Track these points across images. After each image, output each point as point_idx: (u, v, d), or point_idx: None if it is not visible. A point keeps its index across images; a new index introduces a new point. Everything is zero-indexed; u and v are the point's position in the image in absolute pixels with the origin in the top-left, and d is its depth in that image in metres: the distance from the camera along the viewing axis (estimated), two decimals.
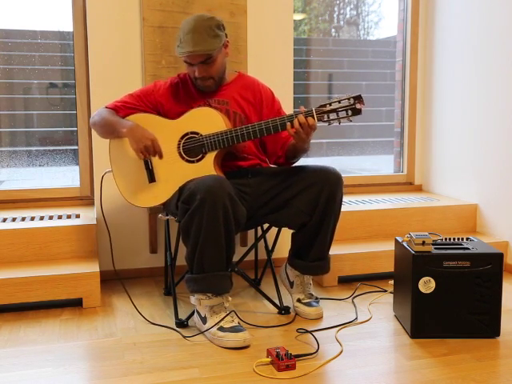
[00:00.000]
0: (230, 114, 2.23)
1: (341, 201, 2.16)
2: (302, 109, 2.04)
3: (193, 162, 2.13)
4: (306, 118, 2.01)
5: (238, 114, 2.24)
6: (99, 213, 2.65)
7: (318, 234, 2.16)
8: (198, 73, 2.14)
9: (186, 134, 2.14)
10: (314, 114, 2.01)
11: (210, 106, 2.20)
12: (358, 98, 1.99)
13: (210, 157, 2.10)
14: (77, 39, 2.82)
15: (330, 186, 2.10)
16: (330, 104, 2.01)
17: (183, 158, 2.14)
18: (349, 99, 2.00)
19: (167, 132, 2.15)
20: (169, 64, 2.67)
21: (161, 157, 2.12)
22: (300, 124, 2.01)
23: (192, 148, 2.13)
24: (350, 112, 2.00)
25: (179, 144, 2.14)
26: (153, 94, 2.25)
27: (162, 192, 2.15)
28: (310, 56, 3.51)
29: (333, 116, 2.01)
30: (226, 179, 1.99)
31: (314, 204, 2.11)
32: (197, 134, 2.13)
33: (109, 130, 2.20)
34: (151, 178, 2.16)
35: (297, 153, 2.22)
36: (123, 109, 2.22)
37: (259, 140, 2.30)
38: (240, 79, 2.32)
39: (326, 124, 2.04)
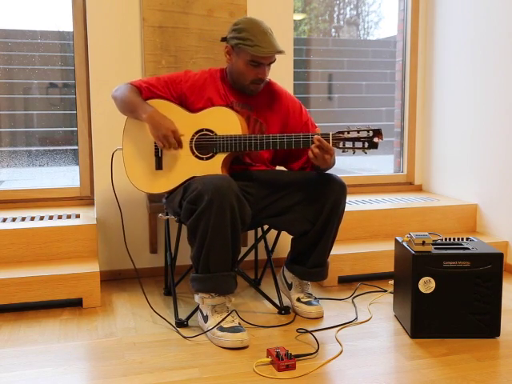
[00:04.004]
0: (250, 120, 2.20)
1: (343, 209, 2.16)
2: (319, 130, 2.02)
3: (202, 158, 2.11)
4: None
5: (258, 122, 2.21)
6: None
7: (319, 242, 2.16)
8: (266, 74, 2.13)
9: (201, 130, 2.12)
10: (331, 138, 1.99)
11: (232, 108, 2.16)
12: (378, 132, 1.97)
13: (220, 158, 2.09)
14: (77, 39, 2.82)
15: (335, 195, 2.09)
16: (349, 132, 1.99)
17: (193, 152, 2.12)
18: (368, 131, 1.97)
19: (183, 124, 2.12)
20: (169, 64, 2.67)
21: (181, 147, 2.09)
22: (317, 147, 1.97)
23: (203, 145, 2.11)
24: (366, 144, 1.98)
25: (192, 138, 2.13)
26: (180, 84, 2.20)
27: (165, 182, 2.14)
28: (310, 56, 3.51)
29: (348, 144, 1.99)
30: (232, 179, 1.98)
31: (318, 212, 2.11)
32: (211, 132, 2.11)
33: (128, 109, 2.17)
34: (159, 165, 2.16)
35: (323, 168, 2.15)
36: (147, 91, 2.18)
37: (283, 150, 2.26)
38: (269, 87, 2.28)
39: (341, 151, 2.02)
